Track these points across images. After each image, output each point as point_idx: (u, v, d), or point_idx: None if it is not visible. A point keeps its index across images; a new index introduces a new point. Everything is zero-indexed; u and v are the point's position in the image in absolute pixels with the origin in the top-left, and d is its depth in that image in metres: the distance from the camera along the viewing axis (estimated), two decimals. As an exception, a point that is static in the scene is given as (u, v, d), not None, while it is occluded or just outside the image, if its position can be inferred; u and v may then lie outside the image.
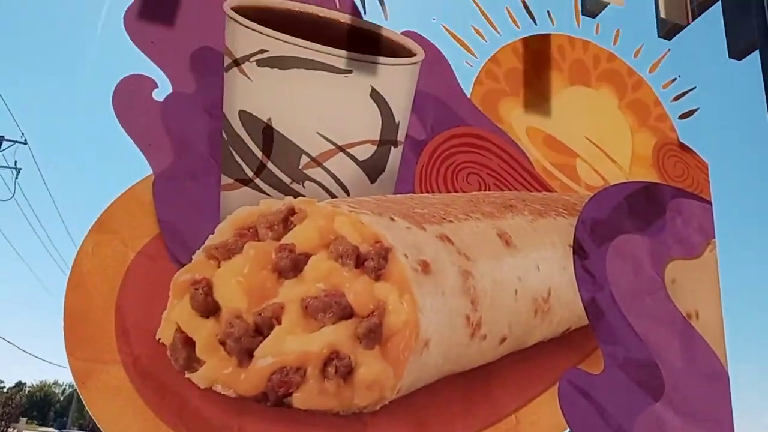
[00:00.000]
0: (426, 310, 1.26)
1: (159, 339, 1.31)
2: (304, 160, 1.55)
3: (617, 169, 1.99)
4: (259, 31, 1.53)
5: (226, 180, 1.55)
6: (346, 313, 1.24)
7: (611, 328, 1.66)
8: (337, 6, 1.75)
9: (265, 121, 1.54)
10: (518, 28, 2.02)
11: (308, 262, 1.29)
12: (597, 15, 2.14)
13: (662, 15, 2.26)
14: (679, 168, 2.07)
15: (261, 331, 1.24)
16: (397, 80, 1.66)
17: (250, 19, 1.53)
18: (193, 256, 1.36)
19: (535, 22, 2.05)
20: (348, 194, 1.57)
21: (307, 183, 1.55)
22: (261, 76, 1.54)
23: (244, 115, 1.55)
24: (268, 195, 1.52)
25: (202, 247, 1.36)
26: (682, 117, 2.14)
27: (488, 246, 1.46)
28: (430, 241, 1.36)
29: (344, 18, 1.73)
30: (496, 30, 1.98)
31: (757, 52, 2.12)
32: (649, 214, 1.90)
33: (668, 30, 2.23)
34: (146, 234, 1.42)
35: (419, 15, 1.86)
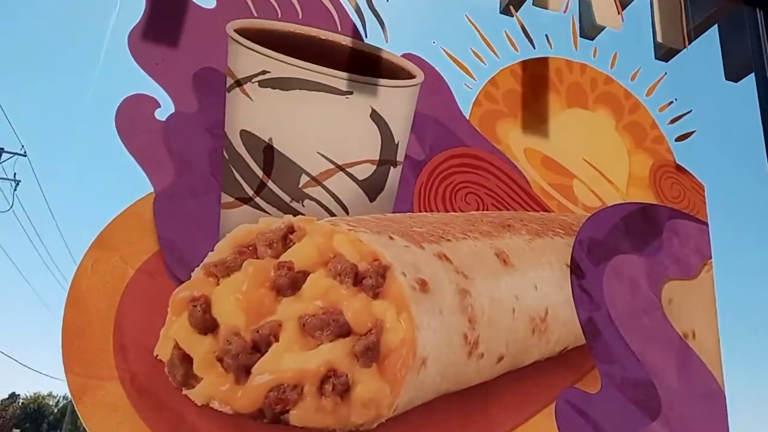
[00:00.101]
0: (424, 329, 1.26)
1: (157, 355, 1.30)
2: (304, 179, 1.56)
3: (614, 190, 2.00)
4: (261, 53, 1.55)
5: (226, 198, 1.56)
6: (344, 331, 1.24)
7: (608, 347, 1.66)
8: (339, 29, 1.78)
9: (266, 140, 1.56)
10: (517, 51, 2.05)
11: (306, 279, 1.30)
12: (594, 38, 2.17)
13: (659, 39, 2.29)
14: (676, 189, 2.09)
15: (258, 348, 1.24)
16: (397, 101, 1.68)
17: (252, 40, 1.56)
18: (192, 274, 1.36)
19: (533, 46, 2.07)
20: (347, 213, 1.58)
21: (306, 201, 1.56)
22: (263, 97, 1.56)
23: (245, 135, 1.57)
24: (268, 213, 1.53)
25: (201, 264, 1.37)
26: (678, 139, 2.16)
27: (486, 265, 1.47)
28: (429, 259, 1.36)
29: (345, 40, 1.76)
30: (495, 53, 2.00)
31: (752, 75, 2.15)
32: (646, 234, 1.91)
33: (665, 53, 2.27)
34: (146, 251, 1.43)
35: (419, 38, 1.89)
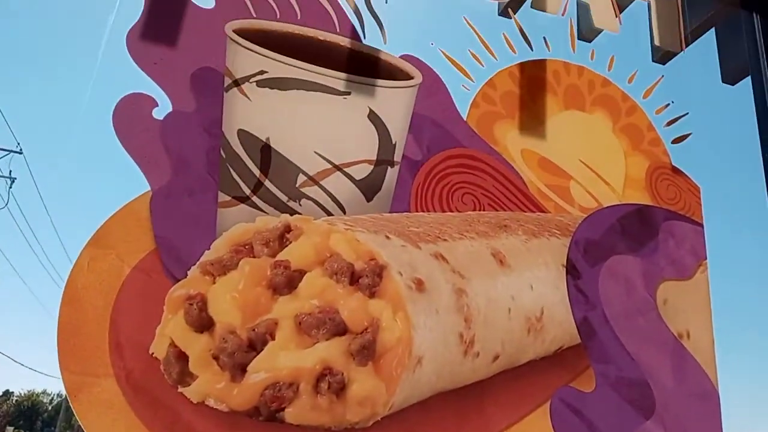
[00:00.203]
0: (420, 328, 1.26)
1: (152, 353, 1.31)
2: (301, 178, 1.56)
3: (611, 192, 2.01)
4: (259, 53, 1.55)
5: (223, 197, 1.56)
6: (340, 330, 1.25)
7: (603, 347, 1.66)
8: (338, 30, 1.78)
9: (264, 140, 1.56)
10: (515, 53, 2.05)
11: (303, 278, 1.30)
12: (592, 40, 2.18)
13: (656, 42, 2.30)
14: (672, 191, 2.09)
15: (254, 346, 1.24)
16: (394, 102, 1.69)
17: (251, 41, 1.56)
18: (189, 272, 1.37)
19: (531, 48, 2.08)
20: (344, 212, 1.59)
21: (303, 201, 1.56)
22: (260, 97, 1.56)
23: (242, 134, 1.58)
24: (265, 212, 1.54)
25: (198, 262, 1.37)
26: (675, 141, 2.16)
27: (482, 265, 1.47)
28: (425, 259, 1.37)
29: (344, 41, 1.76)
30: (493, 55, 2.01)
31: (749, 78, 2.16)
32: (642, 235, 1.91)
33: (662, 56, 2.27)
34: (142, 249, 1.43)
35: (418, 40, 1.90)
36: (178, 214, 1.49)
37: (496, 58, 2.01)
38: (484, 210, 1.79)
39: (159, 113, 1.56)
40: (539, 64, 2.08)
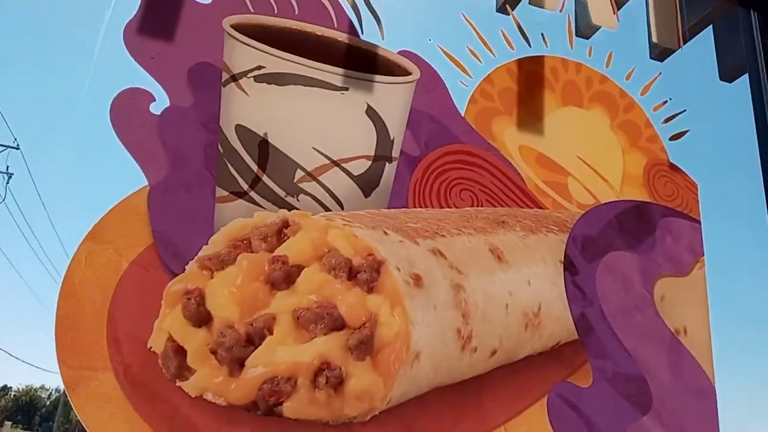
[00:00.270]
0: (418, 323, 1.26)
1: (150, 348, 1.31)
2: (299, 174, 1.56)
3: (608, 188, 2.01)
4: (257, 48, 1.55)
5: (220, 192, 1.56)
6: (338, 325, 1.25)
7: (600, 342, 1.67)
8: (335, 25, 1.78)
9: (261, 135, 1.56)
10: (513, 49, 2.05)
11: (301, 273, 1.30)
12: (590, 37, 2.18)
13: (654, 39, 2.30)
14: (669, 188, 2.10)
15: (252, 341, 1.24)
16: (392, 98, 1.69)
17: (248, 36, 1.56)
18: (187, 267, 1.37)
19: (529, 44, 2.08)
20: (342, 208, 1.59)
21: (301, 196, 1.56)
22: (258, 92, 1.56)
23: (240, 129, 1.57)
24: (263, 207, 1.54)
25: (196, 257, 1.37)
26: (672, 138, 2.17)
27: (480, 261, 1.47)
28: (423, 255, 1.37)
29: (342, 37, 1.76)
30: (491, 51, 2.01)
31: (746, 76, 2.16)
32: (640, 232, 1.92)
33: (660, 53, 2.28)
34: (140, 244, 1.43)
35: (416, 35, 1.90)
36: (175, 209, 1.49)
37: (494, 55, 2.01)
38: (481, 206, 1.79)
39: (156, 108, 1.56)
40: (537, 61, 2.08)
